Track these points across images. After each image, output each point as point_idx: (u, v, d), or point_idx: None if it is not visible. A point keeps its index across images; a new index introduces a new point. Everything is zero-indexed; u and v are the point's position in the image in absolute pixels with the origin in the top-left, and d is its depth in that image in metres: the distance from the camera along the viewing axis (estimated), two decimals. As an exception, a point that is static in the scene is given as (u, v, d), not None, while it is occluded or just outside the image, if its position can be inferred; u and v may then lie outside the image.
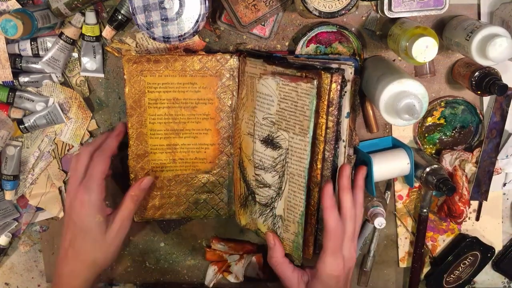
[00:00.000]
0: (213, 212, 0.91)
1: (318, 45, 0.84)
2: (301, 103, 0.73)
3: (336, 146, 0.76)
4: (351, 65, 0.77)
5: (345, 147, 0.77)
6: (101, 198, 0.80)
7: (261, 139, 0.79)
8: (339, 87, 0.73)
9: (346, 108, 0.77)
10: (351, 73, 0.76)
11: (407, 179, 0.90)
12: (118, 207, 0.83)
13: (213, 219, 0.94)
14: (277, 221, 0.80)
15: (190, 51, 0.86)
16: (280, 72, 0.76)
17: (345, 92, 0.76)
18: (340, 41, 0.84)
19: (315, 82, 0.72)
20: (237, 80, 0.84)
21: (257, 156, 0.80)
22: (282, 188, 0.78)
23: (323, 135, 0.74)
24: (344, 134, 0.77)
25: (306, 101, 0.73)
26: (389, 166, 0.86)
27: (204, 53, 0.83)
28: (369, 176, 0.84)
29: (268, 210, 0.81)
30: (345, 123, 0.77)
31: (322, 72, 0.73)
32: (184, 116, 0.85)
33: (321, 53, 0.84)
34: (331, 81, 0.73)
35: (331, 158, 0.75)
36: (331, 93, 0.73)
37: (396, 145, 0.89)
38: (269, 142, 0.78)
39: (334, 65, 0.77)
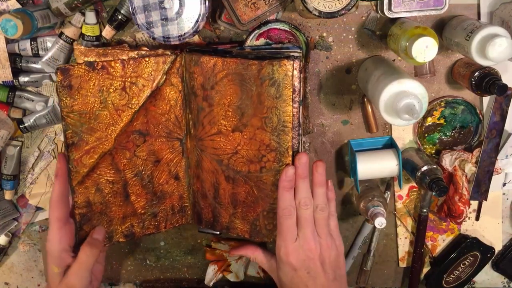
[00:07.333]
0: None
1: (267, 40, 0.84)
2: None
3: (299, 133, 0.77)
4: (299, 52, 0.77)
5: (300, 134, 0.77)
6: (59, 248, 0.76)
7: None
8: (299, 73, 0.73)
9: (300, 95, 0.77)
10: (301, 60, 0.76)
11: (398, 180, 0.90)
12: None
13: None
14: None
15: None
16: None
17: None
18: (290, 41, 0.84)
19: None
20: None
21: None
22: None
23: (291, 122, 0.75)
24: (300, 122, 0.78)
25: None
26: (377, 165, 0.86)
27: (147, 49, 0.80)
28: (354, 172, 0.86)
29: None
30: (299, 110, 0.77)
31: (286, 60, 0.73)
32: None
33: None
34: (293, 68, 0.73)
35: (296, 145, 0.76)
36: (294, 80, 0.73)
37: (393, 145, 0.89)
38: None
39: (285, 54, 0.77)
